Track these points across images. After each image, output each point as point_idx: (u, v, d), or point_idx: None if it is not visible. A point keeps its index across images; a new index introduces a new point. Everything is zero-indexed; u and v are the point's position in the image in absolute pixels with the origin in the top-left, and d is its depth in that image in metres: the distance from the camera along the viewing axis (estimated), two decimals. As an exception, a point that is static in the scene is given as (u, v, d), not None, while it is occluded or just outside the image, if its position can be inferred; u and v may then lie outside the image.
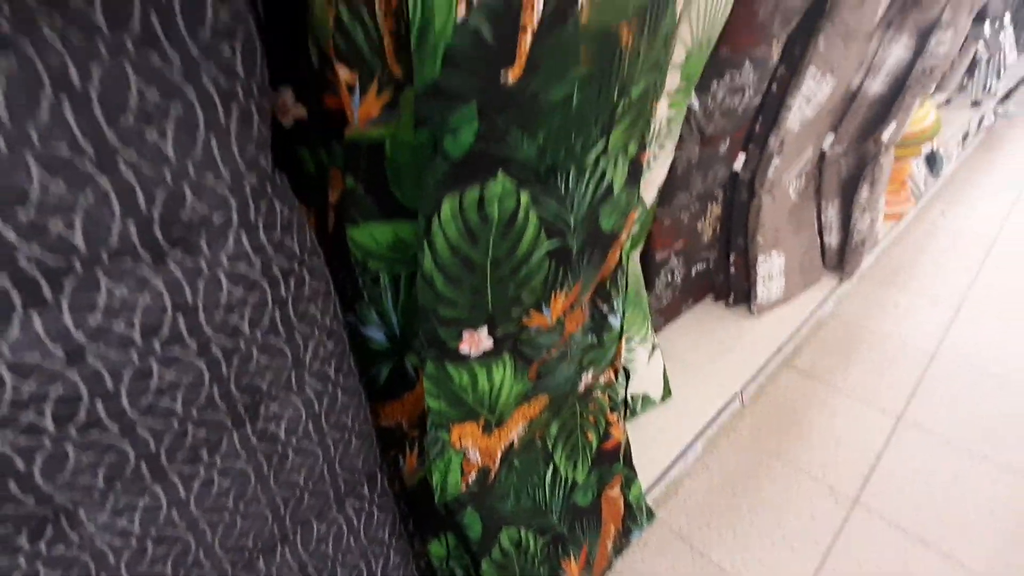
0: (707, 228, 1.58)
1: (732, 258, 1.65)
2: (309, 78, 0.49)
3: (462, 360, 0.59)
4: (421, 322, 0.57)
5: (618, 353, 0.94)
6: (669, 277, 1.54)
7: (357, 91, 0.48)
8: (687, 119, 1.16)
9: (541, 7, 0.40)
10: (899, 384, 1.55)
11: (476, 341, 0.58)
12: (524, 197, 0.51)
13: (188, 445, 0.47)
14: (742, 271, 1.66)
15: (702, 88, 1.11)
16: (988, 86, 2.40)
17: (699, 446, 1.30)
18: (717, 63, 1.07)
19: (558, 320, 0.68)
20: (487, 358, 0.61)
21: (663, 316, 1.60)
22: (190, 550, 0.53)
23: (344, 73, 0.47)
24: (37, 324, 0.34)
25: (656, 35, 0.50)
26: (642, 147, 0.63)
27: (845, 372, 1.61)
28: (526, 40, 0.41)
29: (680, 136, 1.12)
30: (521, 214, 0.52)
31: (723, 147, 1.37)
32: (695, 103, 1.13)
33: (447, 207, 0.48)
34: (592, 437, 0.91)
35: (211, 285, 0.42)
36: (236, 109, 0.39)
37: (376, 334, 0.68)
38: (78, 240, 0.34)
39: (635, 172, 0.65)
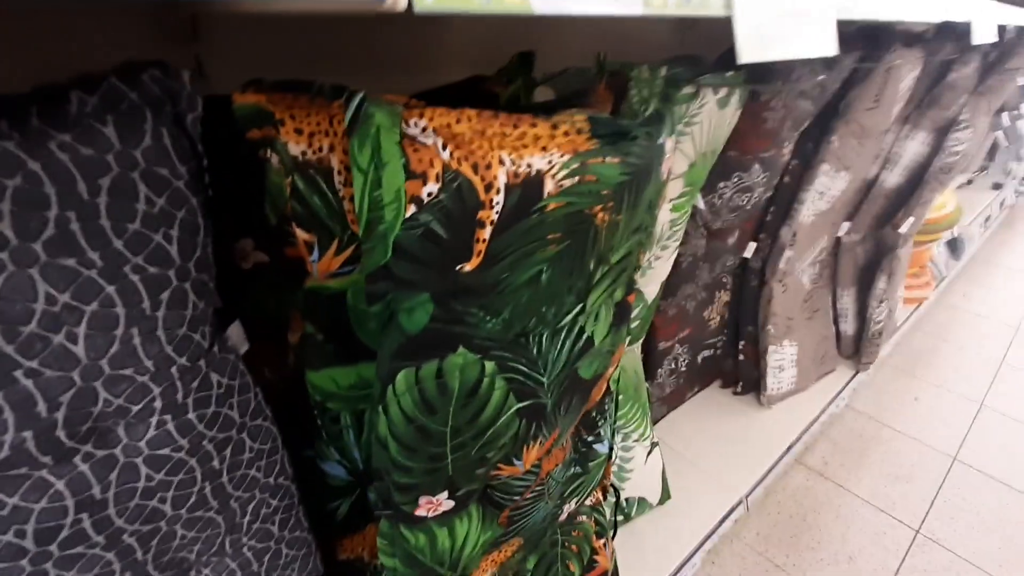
0: (715, 315, 1.52)
1: (741, 345, 1.59)
2: (268, 231, 0.47)
3: (418, 522, 0.54)
4: (375, 479, 0.52)
5: (606, 473, 0.87)
6: (673, 365, 1.47)
7: (316, 250, 0.45)
8: (692, 216, 1.12)
9: (501, 203, 0.37)
10: (917, 492, 1.45)
11: (434, 505, 0.53)
12: (489, 366, 0.47)
13: (95, 635, 0.42)
14: (752, 359, 1.59)
15: (709, 188, 1.08)
16: (1009, 170, 2.34)
17: (698, 560, 1.21)
18: (724, 165, 1.04)
19: (532, 466, 0.63)
20: (448, 516, 0.56)
21: (666, 404, 1.53)
22: None
23: (302, 234, 0.44)
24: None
25: (638, 206, 0.46)
26: (630, 290, 0.59)
27: (859, 474, 1.51)
28: (484, 234, 0.38)
29: (685, 232, 1.09)
30: (485, 382, 0.47)
31: (732, 239, 1.33)
32: (700, 203, 1.09)
33: (402, 378, 0.44)
34: (575, 567, 0.84)
35: (125, 474, 0.38)
36: (167, 295, 0.36)
37: (336, 470, 0.63)
38: (-40, 461, 0.31)
39: (622, 313, 0.60)
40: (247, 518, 0.49)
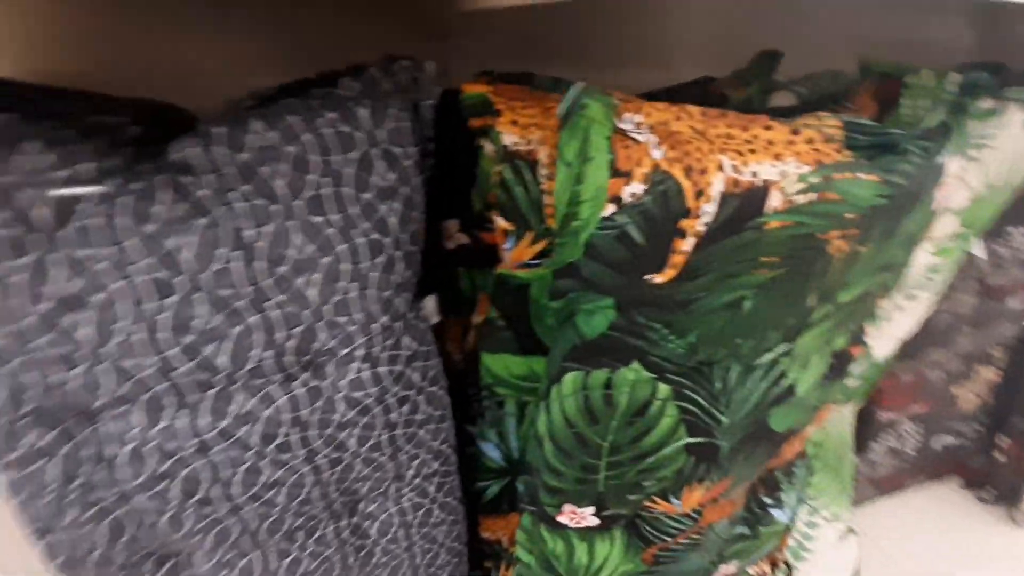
0: (969, 395, 1.18)
1: (1003, 441, 1.21)
2: (472, 216, 0.50)
3: (559, 528, 0.53)
4: (526, 473, 0.52)
5: (780, 545, 0.75)
6: (896, 444, 1.19)
7: (512, 239, 0.47)
8: (963, 265, 0.88)
9: (713, 213, 0.33)
10: None
11: (578, 517, 0.52)
12: (663, 389, 0.43)
13: (284, 529, 0.50)
14: (1014, 462, 1.20)
15: (994, 232, 0.84)
16: None
17: None
18: (1022, 205, 0.79)
19: (693, 510, 0.56)
20: (590, 532, 0.54)
21: (876, 487, 1.25)
22: (273, 610, 0.57)
23: (501, 222, 0.46)
24: (180, 421, 0.40)
25: (890, 239, 0.37)
26: (856, 340, 0.48)
27: None
28: (684, 245, 0.34)
29: (949, 284, 0.86)
30: (656, 405, 0.44)
31: (1012, 301, 1.01)
32: (979, 250, 0.85)
33: (569, 380, 0.43)
34: (718, 636, 0.74)
35: (326, 405, 0.44)
36: (381, 260, 0.41)
37: (492, 452, 0.65)
38: (222, 361, 0.39)
39: (839, 365, 0.50)
40: (411, 472, 0.54)
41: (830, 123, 0.32)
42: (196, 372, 0.39)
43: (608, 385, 0.43)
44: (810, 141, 0.33)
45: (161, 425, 0.40)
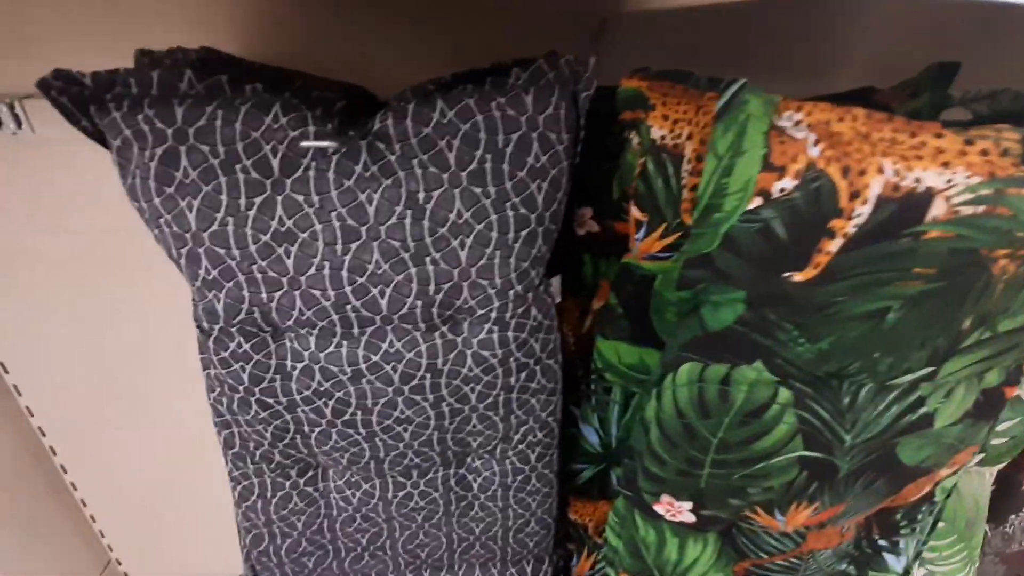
0: None
1: None
2: (608, 204, 0.52)
3: (654, 517, 0.54)
4: (626, 457, 0.54)
5: (889, 598, 0.69)
6: (1049, 524, 1.03)
7: (644, 229, 0.49)
8: None
9: (867, 216, 0.32)
10: None
11: (674, 510, 0.52)
12: (784, 394, 0.43)
13: (404, 464, 0.57)
14: None
15: None
16: None
17: None
18: None
19: (796, 531, 0.54)
20: (684, 528, 0.54)
21: (1006, 564, 1.08)
22: (382, 535, 0.64)
23: (636, 213, 0.48)
24: (343, 349, 0.48)
25: (1076, 265, 0.33)
26: (1012, 380, 0.44)
27: None
28: (831, 246, 0.34)
29: None
30: (774, 409, 0.43)
31: None
32: None
33: (686, 369, 0.45)
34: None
35: (456, 358, 0.50)
36: (524, 233, 0.46)
37: (592, 436, 0.68)
38: (382, 304, 0.46)
39: (989, 404, 0.46)
40: (517, 436, 0.58)
41: (1009, 136, 0.30)
42: (361, 310, 0.46)
43: (726, 380, 0.43)
44: (984, 153, 0.31)
45: (328, 350, 0.48)
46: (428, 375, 0.50)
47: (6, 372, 0.84)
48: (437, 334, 0.49)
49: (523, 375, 0.53)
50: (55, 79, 0.38)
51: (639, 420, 0.51)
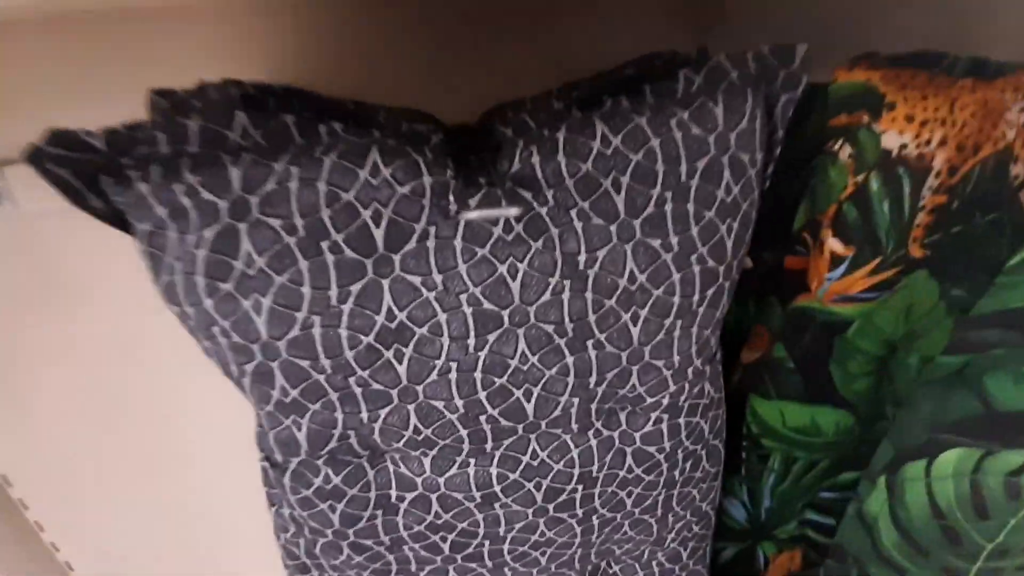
0: None
1: None
2: (778, 234, 0.41)
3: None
4: (833, 557, 0.42)
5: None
6: None
7: (846, 264, 0.37)
8: None
9: None
10: None
11: (909, 624, 0.40)
12: (1102, 482, 0.31)
13: (536, 589, 0.44)
14: None
15: None
16: None
17: None
18: None
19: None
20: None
21: None
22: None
23: (834, 245, 0.37)
24: (470, 469, 0.35)
25: None
26: None
27: None
28: None
29: None
30: (1083, 503, 0.31)
31: None
32: None
33: (952, 458, 0.33)
34: None
35: (615, 459, 0.37)
36: (711, 292, 0.33)
37: (737, 512, 0.56)
38: (529, 409, 0.33)
39: None
40: (671, 535, 0.46)
41: None
42: (500, 419, 0.33)
43: (1020, 472, 0.31)
44: None
45: (450, 473, 0.35)
46: (580, 486, 0.37)
47: (9, 484, 0.70)
48: (591, 433, 0.36)
49: (688, 465, 0.41)
50: (51, 144, 0.26)
51: (856, 513, 0.39)
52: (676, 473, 0.41)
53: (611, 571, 0.48)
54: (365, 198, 0.28)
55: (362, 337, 0.30)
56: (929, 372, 0.33)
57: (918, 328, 0.40)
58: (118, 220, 0.30)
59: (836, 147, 0.34)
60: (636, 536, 0.44)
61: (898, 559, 0.37)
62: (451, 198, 0.28)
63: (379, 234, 0.28)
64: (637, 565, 0.48)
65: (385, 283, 0.29)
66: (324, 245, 0.28)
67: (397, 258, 0.29)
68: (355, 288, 0.29)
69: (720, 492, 0.47)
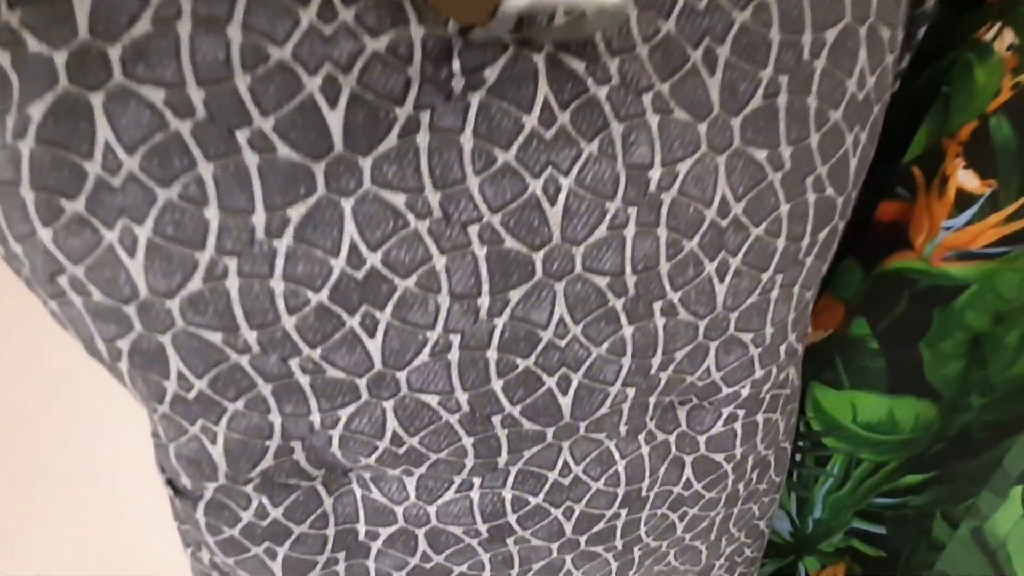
0: None
1: None
2: (879, 170, 0.31)
3: None
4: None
5: None
6: None
7: (979, 206, 0.27)
8: None
9: None
10: None
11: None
12: None
13: (550, 639, 0.34)
14: None
15: None
16: None
17: None
18: None
19: None
20: None
21: None
22: None
23: (967, 180, 0.27)
24: (473, 494, 0.24)
25: None
26: None
27: None
28: None
29: None
30: None
31: None
32: None
33: None
34: None
35: (670, 472, 0.27)
36: (824, 234, 0.23)
37: (782, 524, 0.46)
38: (564, 405, 0.22)
39: None
40: (720, 561, 0.36)
41: None
42: (522, 420, 0.22)
43: None
44: None
45: (445, 498, 0.24)
46: (624, 511, 0.27)
47: None
48: (642, 437, 0.26)
49: (755, 475, 0.31)
50: None
51: (969, 538, 0.30)
52: (741, 486, 0.31)
53: (640, 606, 0.38)
54: (310, 56, 0.16)
55: (309, 294, 0.18)
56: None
57: (1040, 296, 0.32)
58: None
59: (990, 34, 0.24)
60: (680, 567, 0.34)
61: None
62: (455, 66, 0.17)
63: (336, 120, 0.17)
64: (674, 598, 0.38)
65: (346, 204, 0.18)
66: (241, 137, 0.17)
67: (366, 163, 0.17)
68: (296, 212, 0.17)
69: (776, 505, 0.37)
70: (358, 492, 0.24)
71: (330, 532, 0.24)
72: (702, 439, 0.27)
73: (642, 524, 0.28)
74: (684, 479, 0.28)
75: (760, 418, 0.28)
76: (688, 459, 0.27)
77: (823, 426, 0.40)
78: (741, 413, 0.27)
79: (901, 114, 0.30)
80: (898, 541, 0.45)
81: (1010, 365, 0.36)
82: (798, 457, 0.42)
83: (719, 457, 0.28)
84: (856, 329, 0.36)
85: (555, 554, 0.27)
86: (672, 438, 0.27)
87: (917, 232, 0.31)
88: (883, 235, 0.33)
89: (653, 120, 0.19)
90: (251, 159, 0.17)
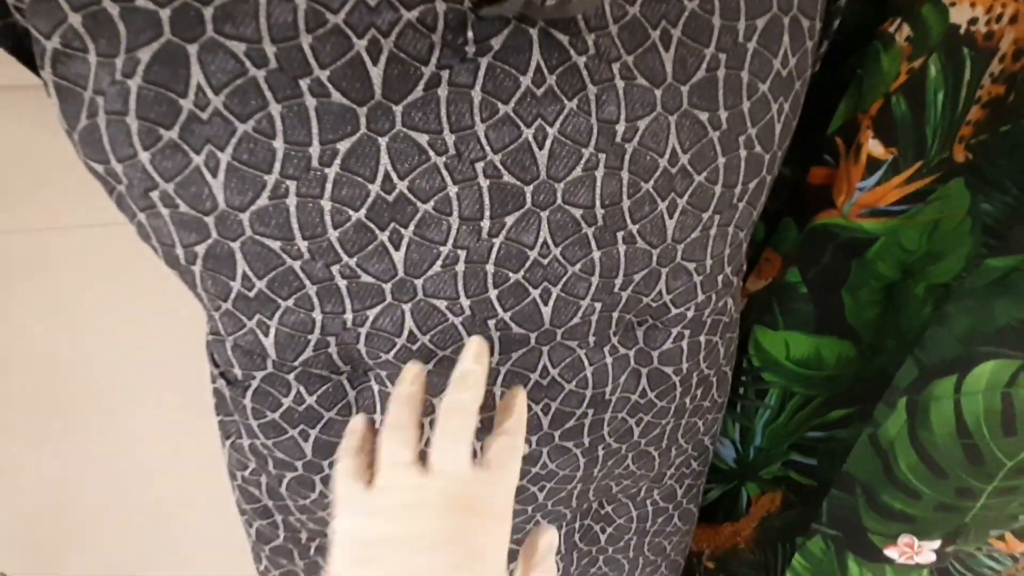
0: None
1: None
2: (808, 140, 0.37)
3: (878, 560, 0.41)
4: (838, 488, 0.40)
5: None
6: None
7: (884, 170, 0.34)
8: None
9: None
10: None
11: (912, 551, 0.39)
12: None
13: (527, 529, 0.41)
14: None
15: None
16: None
17: None
18: None
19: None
20: (910, 568, 0.41)
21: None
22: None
23: (874, 148, 0.33)
24: (473, 389, 0.30)
25: None
26: None
27: None
28: None
29: None
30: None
31: None
32: None
33: (989, 370, 0.31)
34: None
35: (628, 382, 0.33)
36: (753, 184, 0.29)
37: (726, 451, 0.54)
38: (545, 314, 0.28)
39: None
40: (670, 470, 0.43)
41: None
42: (511, 324, 0.28)
43: (1058, 382, 0.30)
44: None
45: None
46: (591, 411, 0.33)
47: None
48: (607, 349, 0.32)
49: (700, 391, 0.38)
50: None
51: (869, 440, 0.37)
52: (687, 400, 0.37)
53: (603, 511, 0.45)
54: (359, 22, 0.21)
55: (350, 212, 0.24)
56: (972, 280, 0.31)
57: (936, 249, 0.38)
58: (19, 45, 0.23)
59: (892, 27, 0.30)
60: (637, 471, 0.41)
61: (913, 483, 0.36)
62: (469, 35, 0.23)
63: (376, 74, 0.22)
64: (631, 504, 0.45)
65: (382, 141, 0.23)
66: (303, 84, 0.22)
67: (399, 109, 0.23)
68: (343, 146, 0.23)
69: (719, 424, 0.44)
70: (375, 387, 0.30)
71: (353, 416, 0.30)
72: (655, 354, 0.33)
73: (605, 424, 0.35)
74: (640, 388, 0.34)
75: (703, 339, 0.34)
76: (644, 371, 0.34)
77: (762, 362, 0.47)
78: (687, 333, 0.33)
79: (830, 93, 0.36)
80: (828, 471, 0.52)
81: (918, 312, 0.43)
82: (741, 391, 0.49)
83: (669, 370, 0.34)
84: (790, 277, 0.42)
85: (533, 446, 0.33)
86: (632, 353, 0.33)
87: (839, 192, 0.38)
88: (813, 196, 0.39)
89: (620, 84, 0.25)
90: (311, 102, 0.22)
